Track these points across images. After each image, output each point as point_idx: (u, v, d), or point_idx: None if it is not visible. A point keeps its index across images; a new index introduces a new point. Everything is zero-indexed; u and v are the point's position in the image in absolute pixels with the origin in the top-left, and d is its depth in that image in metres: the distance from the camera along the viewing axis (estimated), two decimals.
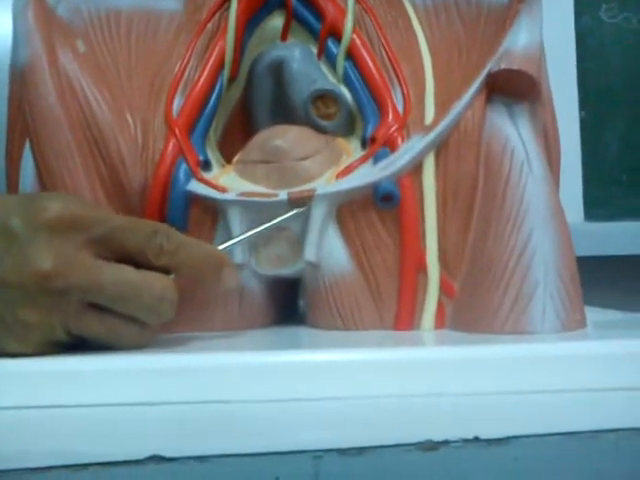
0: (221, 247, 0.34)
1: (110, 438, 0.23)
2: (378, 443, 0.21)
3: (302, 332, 0.36)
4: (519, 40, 0.36)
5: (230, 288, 0.33)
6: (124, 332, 0.29)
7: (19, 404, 0.26)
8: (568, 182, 0.94)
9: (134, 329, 0.29)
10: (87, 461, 0.20)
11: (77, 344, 0.29)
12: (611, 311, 0.43)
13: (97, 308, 0.29)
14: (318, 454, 0.21)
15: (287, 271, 0.36)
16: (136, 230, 0.29)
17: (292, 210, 0.35)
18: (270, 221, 0.35)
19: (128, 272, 0.29)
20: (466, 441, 0.21)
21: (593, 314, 0.39)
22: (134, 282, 0.28)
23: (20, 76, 0.35)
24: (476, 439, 0.21)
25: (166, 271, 0.30)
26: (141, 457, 0.20)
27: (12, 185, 0.38)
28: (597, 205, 0.96)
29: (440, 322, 0.35)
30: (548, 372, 0.27)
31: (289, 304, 0.41)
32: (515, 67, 0.35)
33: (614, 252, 0.87)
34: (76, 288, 0.27)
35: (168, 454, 0.20)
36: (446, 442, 0.21)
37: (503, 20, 0.37)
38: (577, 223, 0.94)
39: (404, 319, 0.35)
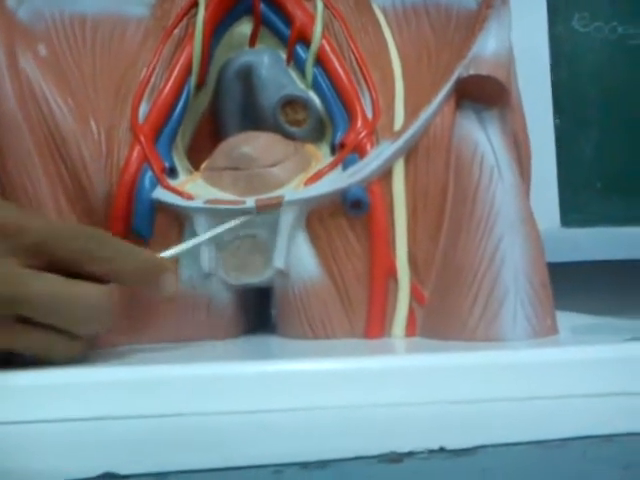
0: (163, 254, 0.32)
1: (61, 455, 0.22)
2: (341, 456, 0.20)
3: (270, 342, 0.36)
4: (488, 46, 0.36)
5: (170, 294, 0.31)
6: (55, 346, 0.28)
7: None
8: (544, 188, 0.95)
9: (66, 342, 0.28)
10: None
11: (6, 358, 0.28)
12: (585, 316, 0.42)
13: (25, 320, 0.27)
14: (279, 468, 0.20)
15: (256, 280, 0.36)
16: (68, 237, 0.28)
17: (260, 217, 0.34)
18: (208, 228, 0.34)
19: (60, 282, 0.27)
20: (432, 452, 0.21)
21: (567, 319, 0.39)
22: (66, 293, 0.27)
23: None
24: (442, 450, 0.21)
25: (102, 280, 0.28)
26: (94, 475, 0.19)
27: None
28: (573, 211, 0.97)
29: (411, 329, 0.35)
30: (517, 379, 0.27)
31: (261, 313, 0.40)
32: (484, 73, 0.35)
33: (590, 257, 0.88)
34: (1, 301, 0.26)
35: (122, 471, 0.19)
36: (411, 453, 0.21)
37: (472, 26, 0.37)
38: (553, 229, 0.95)
39: (374, 327, 0.35)
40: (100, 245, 0.28)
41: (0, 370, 0.27)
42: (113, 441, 0.23)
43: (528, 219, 0.35)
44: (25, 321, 0.27)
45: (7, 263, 0.26)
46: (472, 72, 0.35)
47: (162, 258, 0.32)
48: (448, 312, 0.33)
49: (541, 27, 1.00)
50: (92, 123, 0.35)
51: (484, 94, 0.36)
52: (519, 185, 0.35)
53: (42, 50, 0.36)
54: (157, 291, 0.31)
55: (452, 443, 0.21)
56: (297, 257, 0.35)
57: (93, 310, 0.27)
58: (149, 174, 0.35)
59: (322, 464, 0.20)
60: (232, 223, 0.34)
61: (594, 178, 0.99)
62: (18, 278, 0.26)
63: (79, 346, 0.29)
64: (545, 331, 0.33)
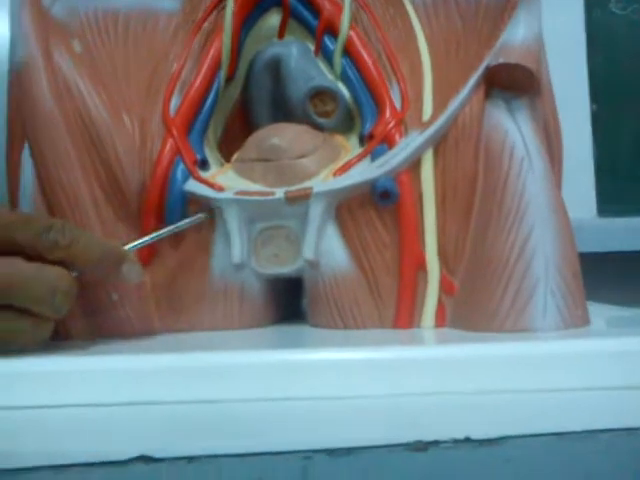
0: (126, 247, 0.33)
1: (98, 438, 0.23)
2: (367, 443, 0.21)
3: (300, 331, 0.36)
4: (517, 34, 0.35)
5: (133, 282, 0.33)
6: (17, 328, 0.28)
7: (5, 404, 0.26)
8: (580, 177, 0.94)
9: (28, 324, 0.28)
10: (74, 461, 0.20)
11: None
12: (619, 308, 0.42)
13: None
14: (307, 454, 0.20)
15: (286, 270, 0.36)
16: (28, 225, 0.28)
17: (291, 208, 0.35)
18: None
19: (18, 263, 0.28)
20: (457, 441, 0.21)
21: (601, 311, 0.38)
22: (24, 273, 0.27)
23: (16, 77, 0.35)
24: (467, 439, 0.21)
25: (65, 267, 0.29)
26: (129, 457, 0.20)
27: (13, 187, 0.38)
28: (610, 201, 0.95)
29: (440, 320, 0.35)
30: (545, 370, 0.27)
31: (291, 303, 0.41)
32: (513, 61, 0.35)
33: (626, 248, 0.86)
34: None
35: (156, 454, 0.20)
36: (436, 442, 0.21)
37: (501, 15, 0.37)
38: (589, 219, 0.93)
39: (403, 317, 0.35)
40: (61, 233, 0.29)
41: (43, 355, 0.28)
42: (148, 426, 0.24)
43: (559, 209, 0.34)
44: None
45: None
46: (501, 60, 0.35)
47: (122, 248, 0.32)
48: (477, 303, 0.33)
49: (578, 11, 0.98)
50: (125, 117, 0.36)
51: (514, 82, 0.36)
52: (550, 175, 0.35)
53: (76, 46, 0.37)
54: (119, 279, 0.32)
55: (477, 433, 0.21)
56: (326, 248, 0.35)
57: (51, 289, 0.28)
58: (181, 166, 0.35)
59: (349, 451, 0.20)
60: (190, 219, 0.35)
61: (632, 167, 0.97)
62: None
63: (43, 329, 0.29)
64: (576, 322, 0.33)
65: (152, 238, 0.34)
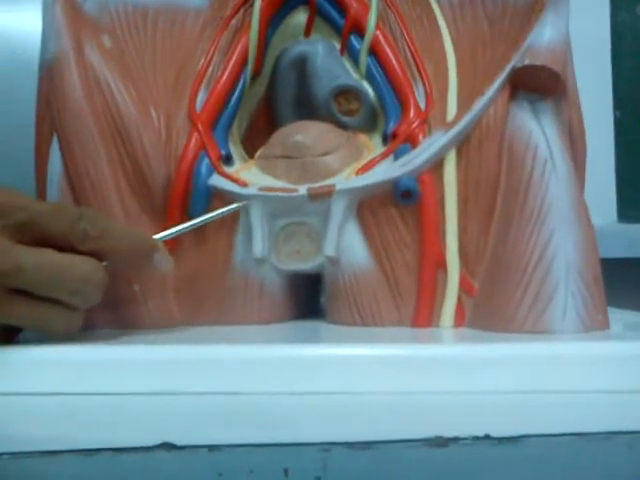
0: (156, 237, 0.33)
1: (122, 425, 0.23)
2: (387, 438, 0.21)
3: (320, 327, 0.37)
4: (544, 36, 0.35)
5: (164, 272, 0.33)
6: (51, 317, 0.29)
7: (34, 391, 0.27)
8: (601, 183, 0.93)
9: (61, 313, 0.29)
10: (99, 446, 0.20)
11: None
12: (637, 313, 0.42)
13: (21, 293, 0.28)
14: (326, 447, 0.21)
15: (307, 266, 0.37)
16: (59, 216, 0.29)
17: (314, 205, 0.35)
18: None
19: (51, 254, 0.28)
20: (477, 438, 0.21)
21: (621, 316, 0.38)
22: (57, 264, 0.28)
23: (48, 71, 0.36)
24: (487, 437, 0.21)
25: (95, 257, 0.29)
26: (152, 444, 0.20)
27: (40, 178, 0.38)
28: (631, 206, 0.94)
29: (459, 320, 0.35)
30: (564, 372, 0.27)
31: (310, 299, 0.41)
32: (539, 63, 0.35)
33: None
34: None
35: (179, 442, 0.21)
36: (456, 439, 0.21)
37: (528, 16, 0.37)
38: (610, 224, 0.92)
39: (423, 316, 0.35)
40: (92, 224, 0.29)
41: (71, 343, 0.29)
42: (171, 414, 0.25)
43: (581, 212, 0.34)
44: (20, 295, 0.28)
45: (1, 240, 0.27)
46: (527, 62, 0.35)
47: (152, 237, 0.33)
48: (497, 303, 0.34)
49: (603, 14, 0.97)
50: (152, 111, 0.37)
51: (539, 85, 0.36)
52: (573, 177, 0.35)
53: (106, 41, 0.37)
54: (150, 269, 0.32)
55: (497, 431, 0.21)
56: (347, 245, 0.35)
57: (84, 281, 0.28)
58: (206, 161, 0.36)
59: (367, 445, 0.21)
60: (225, 209, 0.35)
61: None
62: (11, 251, 0.27)
63: (76, 318, 0.30)
64: (596, 325, 0.33)
65: (185, 228, 0.34)
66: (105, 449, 0.20)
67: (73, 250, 0.29)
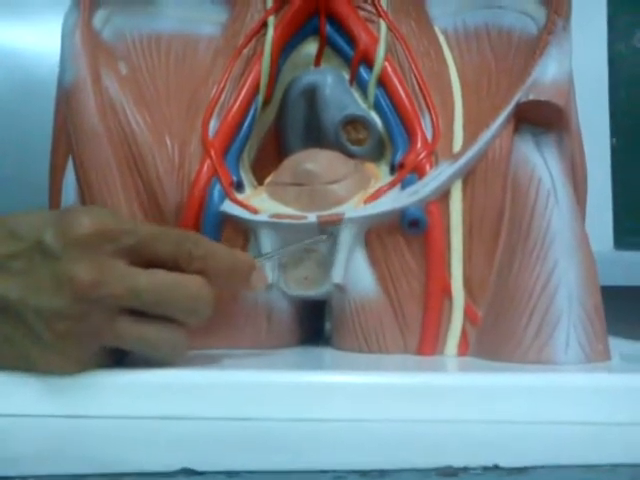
0: (259, 258, 0.34)
1: (144, 449, 0.24)
2: (399, 466, 0.21)
3: (327, 353, 0.37)
4: (548, 71, 0.36)
5: (260, 290, 0.34)
6: (160, 337, 0.29)
7: (60, 414, 0.27)
8: (598, 210, 0.94)
9: (170, 333, 0.30)
10: (121, 470, 0.21)
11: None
12: (634, 342, 0.42)
13: (132, 316, 0.29)
14: (340, 474, 0.21)
15: (314, 293, 0.37)
16: (166, 238, 0.30)
17: (322, 233, 0.36)
18: (299, 242, 0.36)
19: (163, 275, 0.29)
20: (486, 469, 0.22)
21: (620, 345, 0.39)
22: (169, 283, 0.29)
23: (65, 96, 0.37)
24: (496, 467, 0.22)
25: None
26: (173, 469, 0.21)
27: (54, 200, 0.39)
28: (627, 234, 0.95)
29: (463, 349, 0.36)
30: (568, 403, 0.27)
31: (316, 325, 0.42)
32: (543, 98, 0.36)
33: None
34: (112, 295, 0.28)
35: (198, 468, 0.21)
36: (466, 469, 0.21)
37: (533, 51, 0.38)
38: (607, 252, 0.93)
39: (428, 344, 0.36)
40: (195, 245, 0.30)
41: (99, 369, 0.29)
42: (191, 440, 0.25)
43: (583, 244, 0.35)
44: (131, 317, 0.29)
45: (116, 263, 0.28)
46: (532, 97, 0.36)
47: (251, 257, 0.34)
48: (501, 333, 0.34)
49: (600, 44, 0.99)
50: (166, 137, 0.37)
51: (543, 118, 0.37)
52: (575, 210, 0.36)
53: (122, 68, 0.38)
54: (247, 288, 0.33)
55: (506, 461, 0.22)
56: (355, 273, 0.36)
57: (195, 298, 0.29)
58: (218, 187, 0.37)
59: (381, 473, 0.21)
60: (315, 239, 0.36)
61: None
62: (125, 274, 0.28)
63: (183, 339, 0.30)
64: (597, 356, 0.33)
65: (277, 253, 0.36)
66: (127, 473, 0.20)
67: (179, 271, 0.30)
